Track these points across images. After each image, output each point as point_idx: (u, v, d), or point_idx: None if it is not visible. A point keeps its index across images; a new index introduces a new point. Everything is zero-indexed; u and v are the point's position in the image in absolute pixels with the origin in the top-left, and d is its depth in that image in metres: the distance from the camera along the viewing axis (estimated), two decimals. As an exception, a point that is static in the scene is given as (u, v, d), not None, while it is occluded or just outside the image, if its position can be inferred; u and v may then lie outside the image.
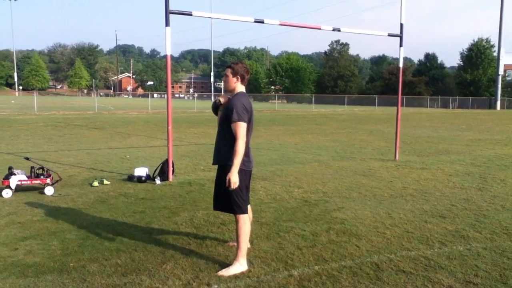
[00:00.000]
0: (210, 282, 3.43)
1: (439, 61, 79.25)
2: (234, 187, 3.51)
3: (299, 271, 3.67)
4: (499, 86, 55.63)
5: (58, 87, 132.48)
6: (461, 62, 70.16)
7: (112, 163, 9.13)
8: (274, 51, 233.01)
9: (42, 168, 6.63)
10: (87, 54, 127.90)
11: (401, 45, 9.95)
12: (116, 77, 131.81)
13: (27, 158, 7.11)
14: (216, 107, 3.88)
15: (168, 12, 7.07)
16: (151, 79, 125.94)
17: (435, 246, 4.33)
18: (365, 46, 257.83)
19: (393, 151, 10.60)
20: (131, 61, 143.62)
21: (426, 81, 72.97)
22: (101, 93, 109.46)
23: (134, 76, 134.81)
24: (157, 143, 12.96)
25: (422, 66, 79.50)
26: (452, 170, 8.75)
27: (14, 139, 13.46)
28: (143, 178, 7.27)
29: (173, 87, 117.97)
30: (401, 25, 9.78)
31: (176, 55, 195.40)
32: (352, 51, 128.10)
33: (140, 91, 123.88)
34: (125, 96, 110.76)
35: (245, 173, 3.67)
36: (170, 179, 7.35)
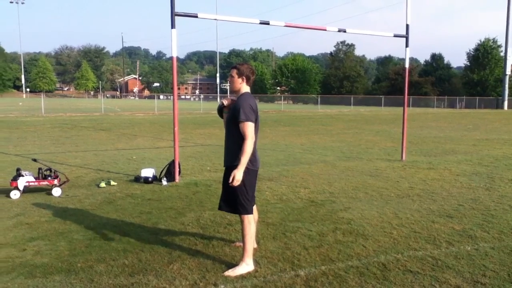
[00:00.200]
0: (217, 282, 3.44)
1: (445, 62, 78.99)
2: (237, 185, 3.53)
3: (306, 271, 3.66)
4: (506, 86, 55.25)
5: (65, 89, 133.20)
6: (468, 62, 69.90)
7: (118, 164, 9.18)
8: (280, 52, 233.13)
9: (50, 170, 6.68)
10: (93, 56, 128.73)
11: (407, 45, 9.93)
12: (122, 79, 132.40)
13: (34, 160, 7.18)
14: (220, 110, 3.91)
15: (173, 14, 7.09)
16: (157, 81, 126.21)
17: (443, 246, 4.31)
18: (370, 46, 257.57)
19: (399, 151, 10.56)
20: (137, 63, 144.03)
21: (432, 81, 72.63)
22: (107, 95, 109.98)
23: (140, 78, 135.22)
24: (164, 144, 13.01)
25: (428, 66, 79.25)
26: (459, 170, 8.70)
27: (22, 140, 13.56)
28: (150, 179, 7.30)
29: (179, 88, 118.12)
30: (407, 25, 9.77)
31: (182, 56, 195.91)
32: (358, 52, 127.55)
33: (146, 92, 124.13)
34: (131, 97, 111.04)
35: (251, 172, 3.68)
36: (177, 180, 7.38)
